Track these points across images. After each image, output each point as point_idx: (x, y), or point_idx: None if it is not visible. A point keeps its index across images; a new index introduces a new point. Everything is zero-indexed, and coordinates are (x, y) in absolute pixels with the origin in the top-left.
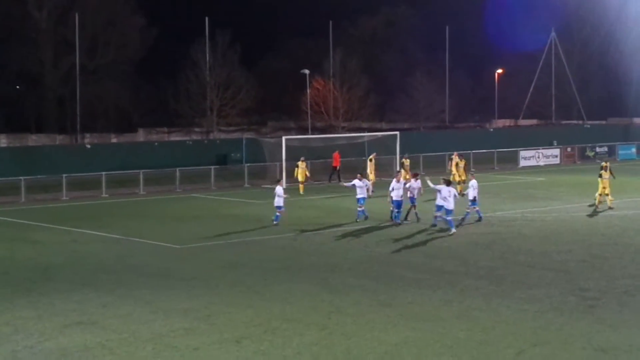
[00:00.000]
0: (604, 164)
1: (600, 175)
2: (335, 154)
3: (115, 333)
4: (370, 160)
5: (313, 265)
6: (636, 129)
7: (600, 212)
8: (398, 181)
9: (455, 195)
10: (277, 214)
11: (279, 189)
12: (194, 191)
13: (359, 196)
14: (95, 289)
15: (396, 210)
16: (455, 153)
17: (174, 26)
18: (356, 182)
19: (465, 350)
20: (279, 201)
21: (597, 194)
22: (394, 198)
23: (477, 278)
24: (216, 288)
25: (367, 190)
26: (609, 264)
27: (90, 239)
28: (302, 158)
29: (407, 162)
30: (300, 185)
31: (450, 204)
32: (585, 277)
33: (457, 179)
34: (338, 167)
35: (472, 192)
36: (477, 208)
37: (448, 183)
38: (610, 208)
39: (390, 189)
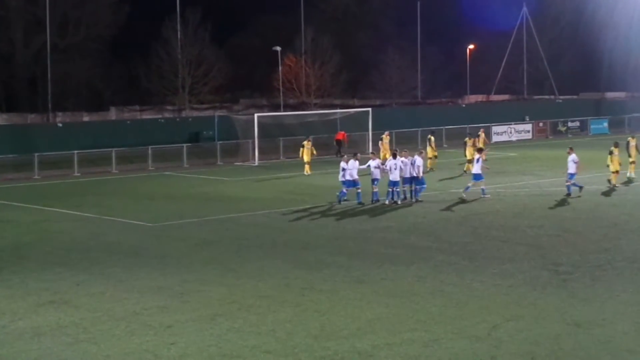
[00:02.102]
0: (630, 139)
1: (611, 152)
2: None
3: (88, 312)
4: (382, 139)
5: (287, 242)
6: (608, 103)
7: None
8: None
9: (380, 167)
10: (344, 190)
11: (344, 164)
12: (167, 169)
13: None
14: (68, 267)
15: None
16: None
17: (145, 4)
18: (371, 162)
19: (439, 326)
20: (343, 175)
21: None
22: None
23: (451, 254)
24: (190, 266)
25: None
26: (582, 239)
27: (62, 217)
28: (308, 137)
29: (432, 138)
30: (307, 166)
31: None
32: (558, 252)
33: (469, 156)
34: (342, 141)
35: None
36: (405, 188)
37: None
38: (615, 186)
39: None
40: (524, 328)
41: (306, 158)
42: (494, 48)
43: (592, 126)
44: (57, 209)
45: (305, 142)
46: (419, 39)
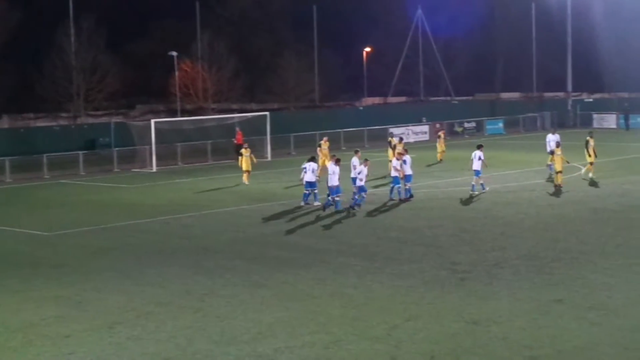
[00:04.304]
0: (588, 138)
1: (587, 144)
2: (240, 132)
3: None
4: (320, 145)
5: (186, 248)
6: (503, 104)
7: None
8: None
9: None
10: (336, 199)
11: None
12: (63, 177)
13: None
14: None
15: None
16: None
17: (37, 10)
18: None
19: (339, 328)
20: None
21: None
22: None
23: (350, 256)
24: (87, 274)
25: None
26: (479, 238)
27: None
28: (245, 145)
29: (394, 141)
30: (245, 174)
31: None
32: (456, 251)
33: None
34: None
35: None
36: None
37: (337, 161)
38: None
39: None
40: (423, 327)
41: (244, 167)
42: (390, 50)
43: (488, 126)
44: None
45: (243, 150)
46: (315, 43)
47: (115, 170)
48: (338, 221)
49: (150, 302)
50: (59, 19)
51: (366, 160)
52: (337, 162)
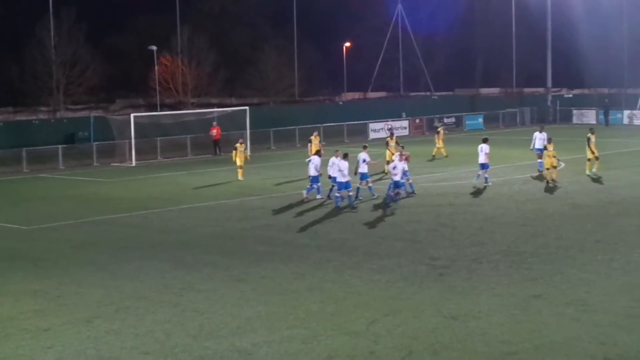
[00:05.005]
0: (590, 135)
1: (589, 140)
2: (216, 127)
3: None
4: (310, 141)
5: (164, 242)
6: (482, 99)
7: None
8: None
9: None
10: (337, 195)
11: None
12: (42, 171)
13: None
14: None
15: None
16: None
17: (17, 3)
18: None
19: (318, 322)
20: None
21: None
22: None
23: (329, 250)
24: (66, 268)
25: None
26: (458, 233)
27: None
28: (240, 140)
29: (394, 141)
30: (240, 170)
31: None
32: (435, 246)
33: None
34: (218, 140)
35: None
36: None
37: (345, 156)
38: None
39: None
40: (401, 322)
41: (239, 162)
42: (370, 46)
43: (467, 122)
44: None
45: (237, 145)
46: (295, 37)
47: (95, 164)
48: (317, 216)
49: (129, 296)
50: (39, 13)
51: (401, 154)
52: (345, 157)
